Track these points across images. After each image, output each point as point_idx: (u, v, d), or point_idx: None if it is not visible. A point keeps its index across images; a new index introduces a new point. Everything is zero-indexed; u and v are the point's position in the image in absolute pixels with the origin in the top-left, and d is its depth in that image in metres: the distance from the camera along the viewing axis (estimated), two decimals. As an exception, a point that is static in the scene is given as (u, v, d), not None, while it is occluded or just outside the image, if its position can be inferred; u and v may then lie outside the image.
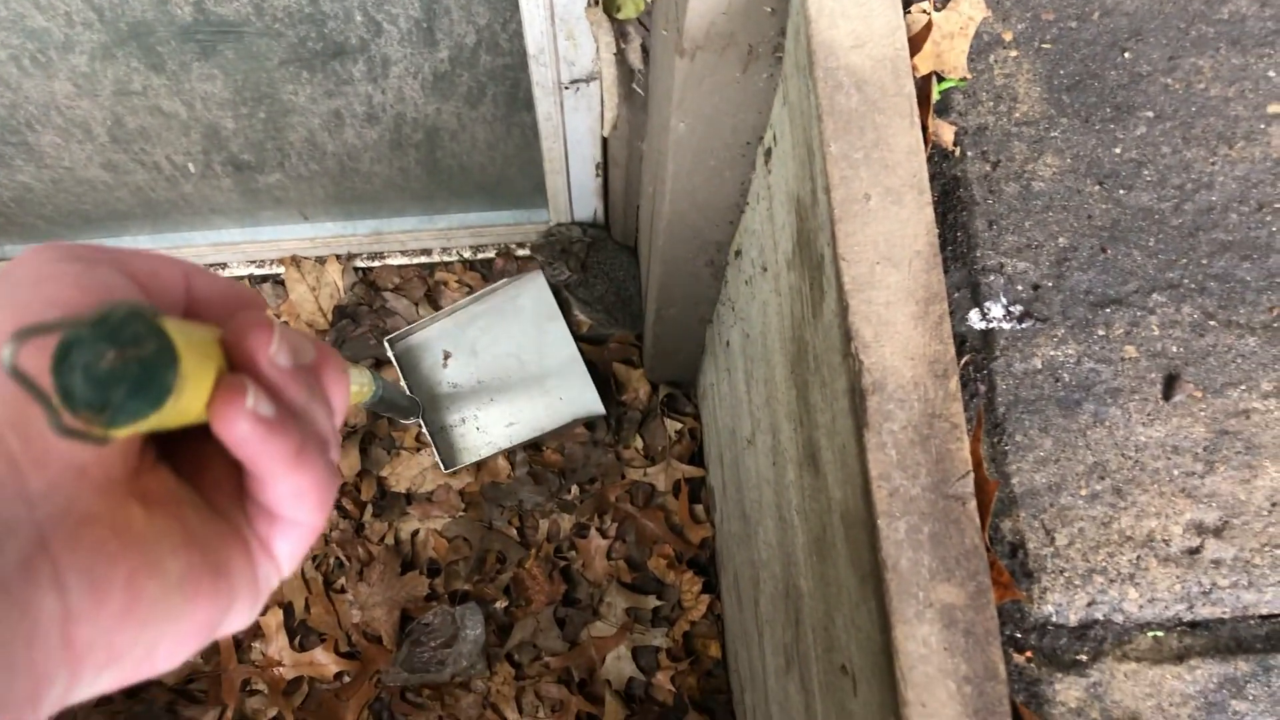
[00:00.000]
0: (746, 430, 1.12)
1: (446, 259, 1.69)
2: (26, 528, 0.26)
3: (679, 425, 1.68)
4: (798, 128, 0.75)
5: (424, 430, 1.63)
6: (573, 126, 1.32)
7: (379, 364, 1.65)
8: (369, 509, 1.64)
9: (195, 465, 0.33)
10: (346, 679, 1.59)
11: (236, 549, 0.33)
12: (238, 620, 0.33)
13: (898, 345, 0.61)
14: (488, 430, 1.64)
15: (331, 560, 1.63)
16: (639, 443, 1.68)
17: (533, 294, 1.67)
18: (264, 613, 1.60)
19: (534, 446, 1.66)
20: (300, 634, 1.61)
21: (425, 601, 1.60)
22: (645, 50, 1.06)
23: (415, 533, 1.64)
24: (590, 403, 1.64)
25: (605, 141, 1.37)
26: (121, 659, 0.28)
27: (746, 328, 1.08)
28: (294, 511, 0.34)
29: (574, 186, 1.50)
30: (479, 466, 1.66)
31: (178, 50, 1.09)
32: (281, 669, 1.59)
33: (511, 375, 1.66)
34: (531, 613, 1.61)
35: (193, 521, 0.31)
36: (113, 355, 0.24)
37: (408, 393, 1.58)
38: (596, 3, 1.00)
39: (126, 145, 1.28)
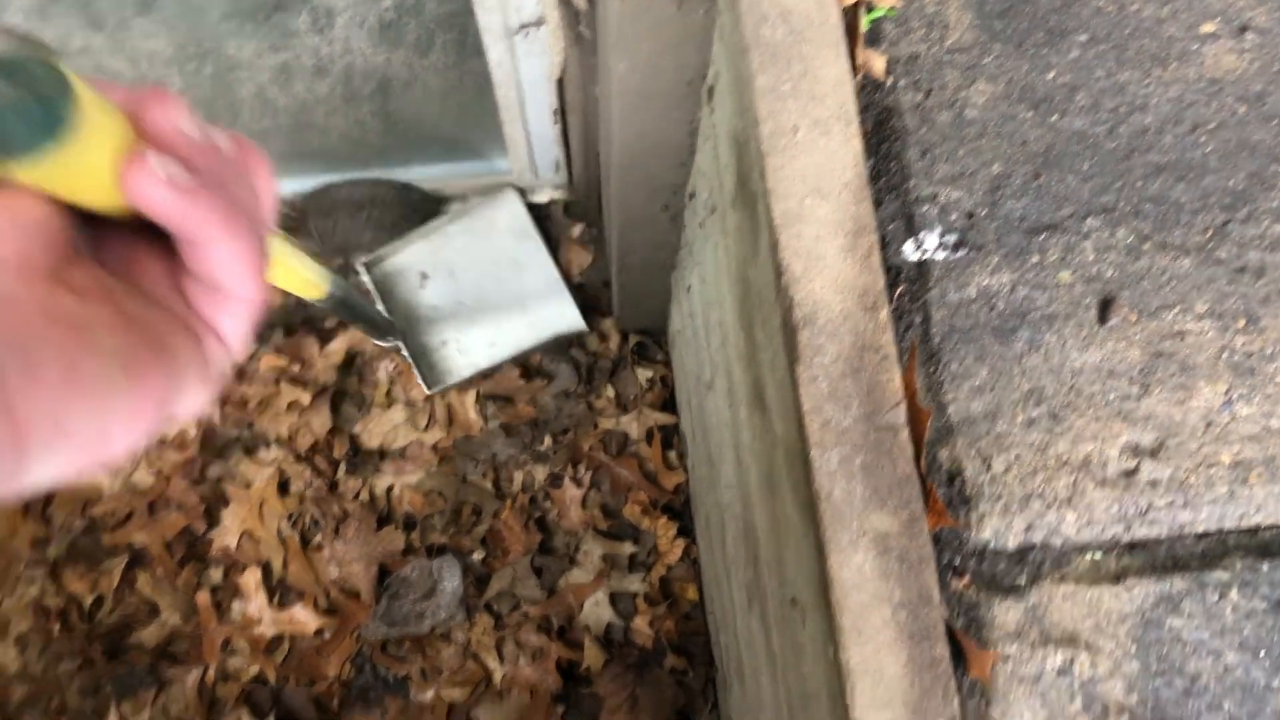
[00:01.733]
0: (707, 374, 1.12)
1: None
2: None
3: (650, 373, 1.68)
4: (731, 63, 0.74)
5: (404, 353, 1.61)
6: (526, 72, 1.30)
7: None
8: (342, 466, 1.65)
9: (130, 264, 0.33)
10: (327, 635, 1.60)
11: (178, 329, 0.33)
12: (192, 399, 0.33)
13: (828, 278, 0.61)
14: (469, 350, 1.63)
15: (307, 518, 1.63)
16: (610, 392, 1.68)
17: (508, 212, 1.64)
18: (241, 571, 1.60)
19: (505, 399, 1.66)
20: (279, 592, 1.62)
21: (402, 556, 1.61)
22: (591, -7, 1.05)
23: (390, 488, 1.65)
24: (571, 319, 1.62)
25: (561, 87, 1.35)
26: (71, 436, 0.28)
27: (702, 271, 1.08)
28: (230, 280, 0.33)
29: (533, 136, 1.48)
30: (450, 420, 1.66)
31: (116, 5, 1.07)
32: (261, 627, 1.60)
33: (490, 294, 1.63)
34: (509, 563, 1.62)
35: (129, 307, 0.31)
36: (9, 89, 0.24)
37: (385, 315, 1.55)
38: (536, -57, 0.98)
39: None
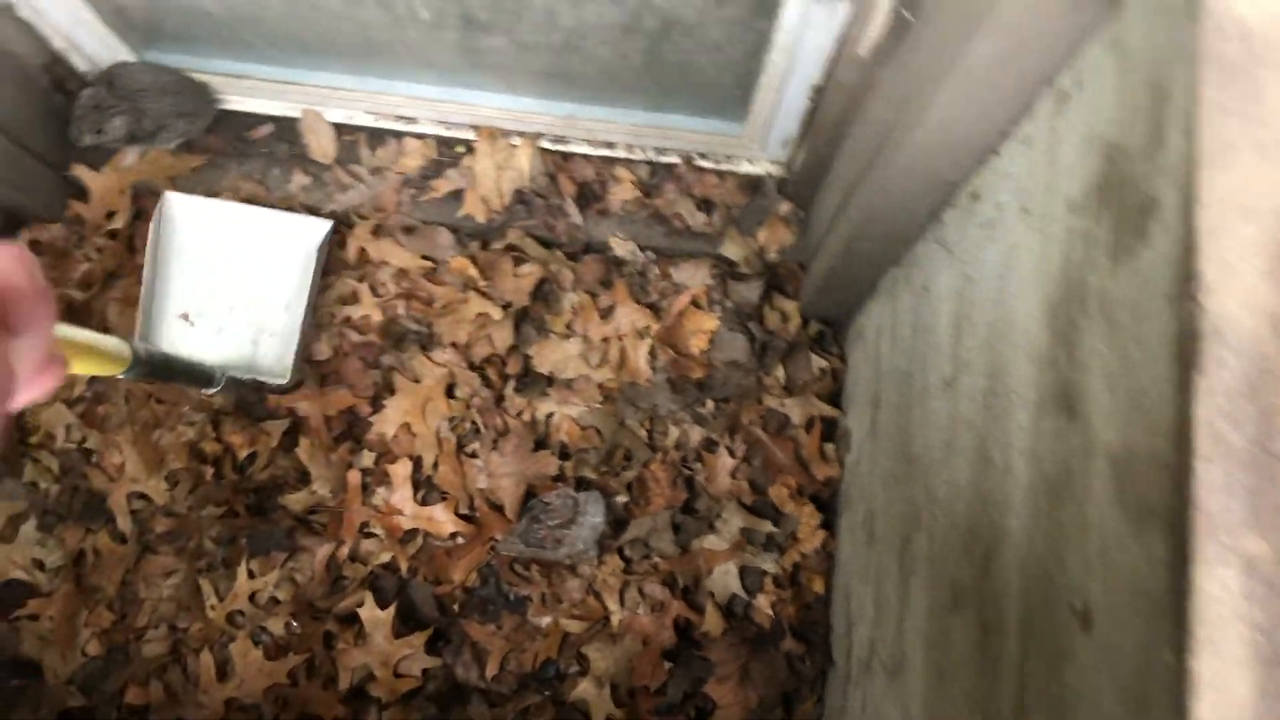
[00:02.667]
0: (944, 373, 1.13)
1: (629, 156, 1.70)
2: None
3: (823, 364, 1.69)
4: (1134, 72, 0.74)
5: (238, 378, 1.64)
6: (809, 42, 1.31)
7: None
8: (511, 383, 1.68)
9: None
10: (460, 540, 1.64)
11: None
12: None
13: (1241, 296, 0.61)
14: (279, 331, 1.69)
15: (467, 425, 1.67)
16: (780, 372, 1.69)
17: (303, 238, 1.66)
18: (393, 461, 1.64)
19: (680, 351, 1.68)
20: (424, 489, 1.66)
21: (552, 481, 1.64)
22: (928, -25, 1.06)
23: (550, 415, 1.68)
24: (280, 370, 1.64)
25: (832, 66, 1.36)
26: None
27: (970, 271, 1.08)
28: None
29: (781, 108, 1.50)
30: (621, 363, 1.68)
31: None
32: (401, 518, 1.63)
33: (240, 300, 1.69)
34: (649, 513, 1.64)
35: None
36: None
37: (203, 363, 1.54)
38: (901, -83, 0.99)
39: (373, -22, 1.30)
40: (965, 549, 0.99)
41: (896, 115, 1.15)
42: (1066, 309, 0.81)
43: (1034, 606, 0.81)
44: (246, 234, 1.67)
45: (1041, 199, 0.89)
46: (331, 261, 1.70)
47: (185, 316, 1.69)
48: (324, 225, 1.66)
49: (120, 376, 0.97)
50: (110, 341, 0.85)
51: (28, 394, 0.44)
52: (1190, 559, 0.59)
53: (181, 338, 1.67)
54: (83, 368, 0.75)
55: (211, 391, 1.60)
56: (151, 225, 1.62)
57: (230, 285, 1.69)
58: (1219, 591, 0.58)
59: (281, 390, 1.66)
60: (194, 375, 1.43)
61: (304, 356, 1.67)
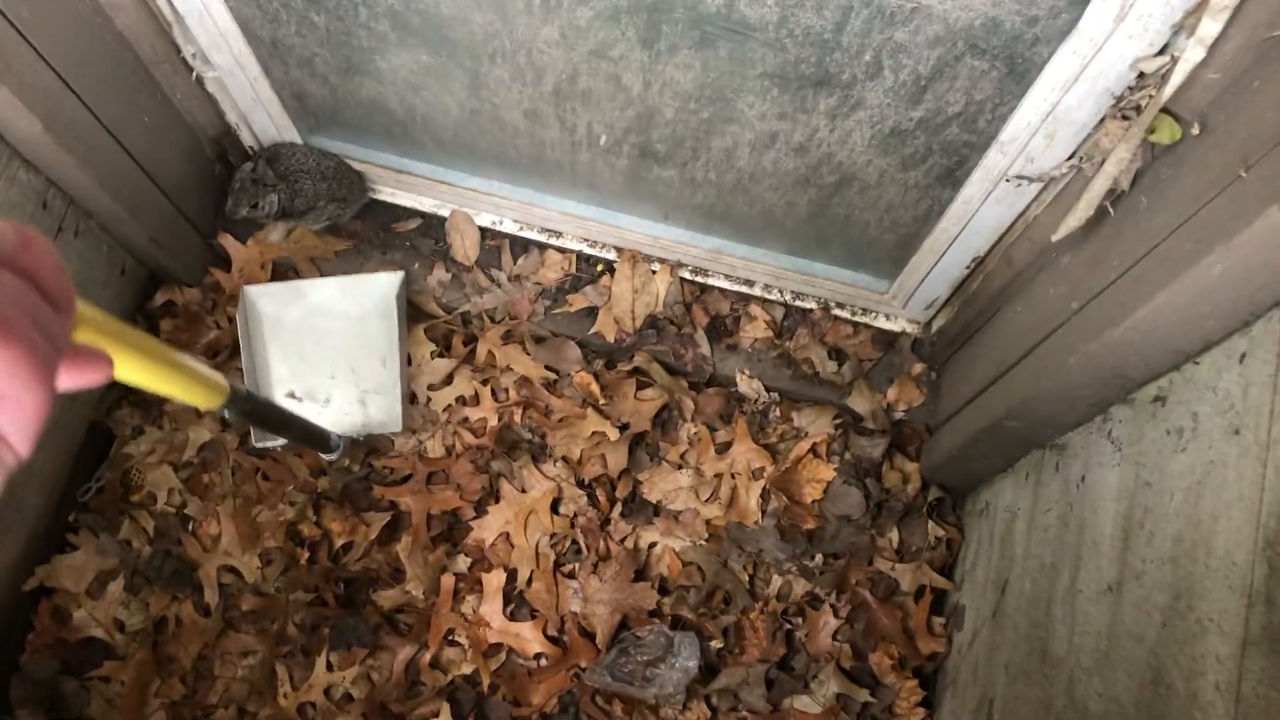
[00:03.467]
0: (1106, 577, 1.08)
1: (766, 296, 1.69)
2: None
3: (940, 532, 1.64)
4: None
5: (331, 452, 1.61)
6: (983, 215, 1.31)
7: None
8: (619, 506, 1.65)
9: None
10: (544, 662, 1.59)
11: None
12: None
13: None
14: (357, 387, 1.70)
15: (568, 543, 1.63)
16: (894, 535, 1.65)
17: (380, 294, 1.68)
18: (488, 569, 1.61)
19: (792, 498, 1.64)
20: (515, 603, 1.62)
21: (647, 616, 1.59)
22: (1138, 174, 1.05)
23: (653, 545, 1.64)
24: (393, 421, 1.66)
25: (1002, 240, 1.35)
26: None
27: (1148, 476, 1.04)
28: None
29: (935, 272, 1.49)
30: (731, 501, 1.65)
31: (678, 33, 1.12)
32: (488, 630, 1.59)
33: (340, 363, 1.70)
34: (743, 663, 1.58)
35: None
36: None
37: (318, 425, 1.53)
38: (1126, 118, 0.98)
39: (562, 101, 1.32)
40: (1128, 774, 0.93)
41: (1081, 305, 1.13)
42: (1291, 546, 0.77)
43: None
44: (328, 304, 1.69)
45: (1260, 425, 0.86)
46: (456, 359, 1.70)
47: (292, 395, 1.70)
48: (397, 277, 1.68)
49: (216, 412, 0.92)
50: (205, 370, 0.82)
51: (69, 379, 0.44)
52: None
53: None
54: (170, 387, 0.72)
55: (332, 456, 1.60)
56: (238, 318, 1.65)
57: (326, 356, 1.70)
58: None
59: (394, 443, 1.68)
60: (310, 434, 1.42)
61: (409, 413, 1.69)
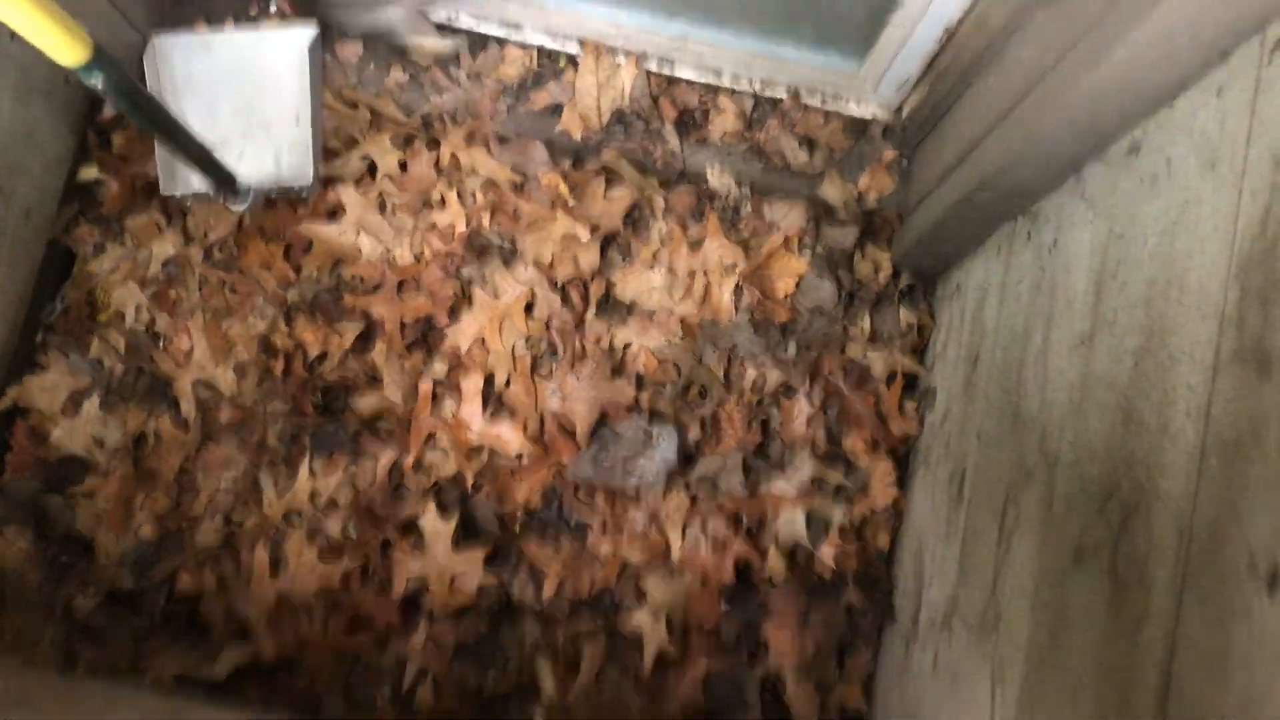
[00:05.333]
0: (1077, 332, 1.09)
1: (735, 86, 1.65)
2: None
3: (911, 319, 1.66)
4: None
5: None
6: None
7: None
8: (593, 308, 1.64)
9: None
10: (526, 460, 1.61)
11: None
12: None
13: None
14: (275, 141, 1.64)
15: (543, 345, 1.64)
16: (866, 323, 1.66)
17: (294, 47, 1.62)
18: (465, 374, 1.61)
19: (765, 293, 1.64)
20: (494, 406, 1.63)
21: (625, 411, 1.61)
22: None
23: (628, 345, 1.65)
24: (303, 175, 1.62)
25: (972, 9, 1.32)
26: None
27: (1119, 227, 1.05)
28: None
29: (905, 50, 1.46)
30: (704, 299, 1.65)
31: None
32: (468, 432, 1.61)
33: (241, 115, 1.63)
34: (720, 452, 1.61)
35: None
36: None
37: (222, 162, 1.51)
38: None
39: None
40: (1098, 509, 0.96)
41: (1056, 61, 1.11)
42: (1265, 265, 0.78)
43: (1196, 566, 0.79)
44: (239, 58, 1.63)
45: (1236, 153, 0.85)
46: (419, 164, 1.65)
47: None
48: (308, 31, 1.62)
49: (82, 75, 0.82)
50: (69, 19, 0.75)
51: None
52: None
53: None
54: (22, 25, 0.66)
55: (239, 206, 1.58)
56: (146, 69, 1.59)
57: (240, 112, 1.63)
58: None
59: (305, 197, 1.64)
60: (209, 163, 1.39)
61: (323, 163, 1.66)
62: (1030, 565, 1.09)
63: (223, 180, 1.48)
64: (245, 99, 1.63)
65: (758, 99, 1.66)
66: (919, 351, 1.66)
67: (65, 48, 0.73)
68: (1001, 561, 1.17)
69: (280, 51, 1.62)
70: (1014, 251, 1.35)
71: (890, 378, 1.64)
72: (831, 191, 1.66)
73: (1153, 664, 0.81)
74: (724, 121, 1.67)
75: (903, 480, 1.61)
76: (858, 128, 1.67)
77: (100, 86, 0.97)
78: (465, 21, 1.64)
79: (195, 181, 1.56)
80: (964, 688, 1.20)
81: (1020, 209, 1.33)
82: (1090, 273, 1.10)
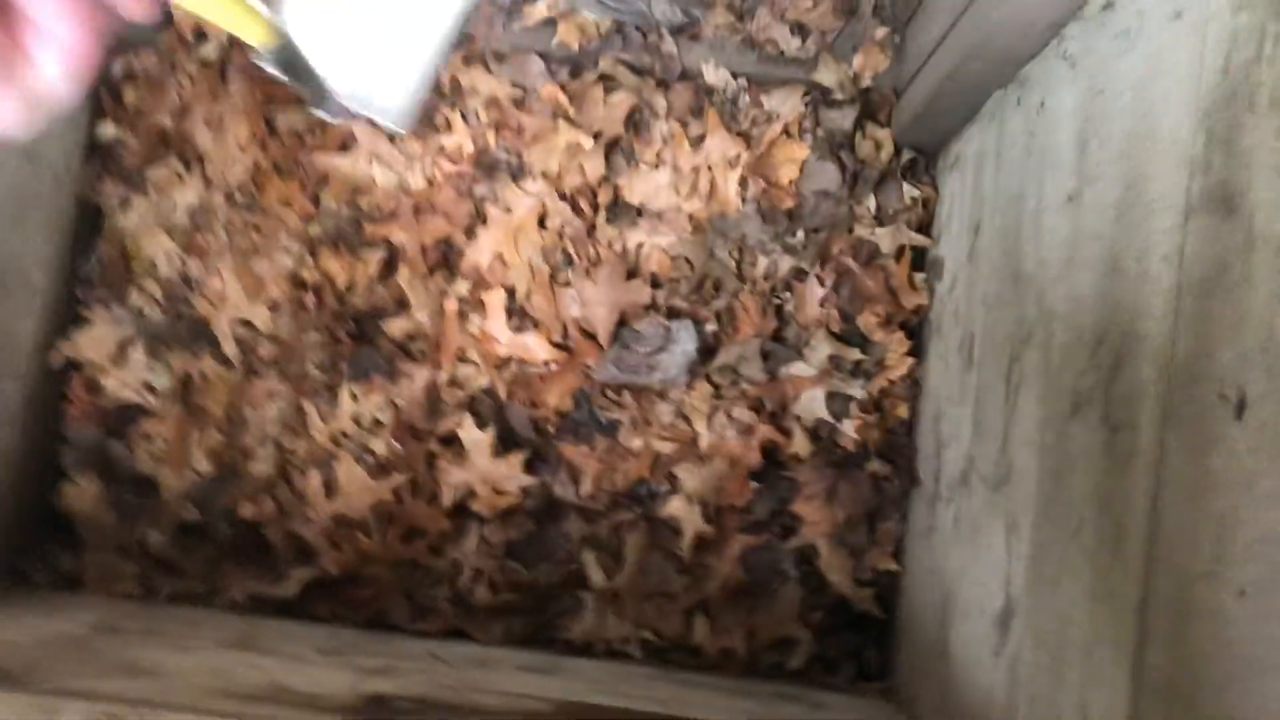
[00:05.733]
0: (1066, 189, 1.13)
1: (722, -21, 1.66)
2: None
3: (915, 193, 1.69)
4: None
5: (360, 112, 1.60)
6: None
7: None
8: (602, 213, 1.69)
9: None
10: (553, 367, 1.68)
11: None
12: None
13: None
14: (402, 69, 1.57)
15: (559, 255, 1.69)
16: (871, 201, 1.69)
17: None
18: (488, 290, 1.67)
19: (770, 181, 1.68)
20: (518, 318, 1.69)
21: (643, 310, 1.67)
22: None
23: (640, 245, 1.69)
24: (401, 120, 1.59)
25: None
26: None
27: (1100, 84, 1.08)
28: (43, 17, 0.36)
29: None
30: (711, 194, 1.69)
31: None
32: (496, 345, 1.68)
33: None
34: (738, 341, 1.67)
35: None
36: None
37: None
38: None
39: None
40: (1090, 357, 1.01)
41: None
42: (1228, 110, 0.81)
43: (1176, 402, 0.84)
44: None
45: (1199, 2, 0.88)
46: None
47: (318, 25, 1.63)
48: None
49: (267, 54, 0.89)
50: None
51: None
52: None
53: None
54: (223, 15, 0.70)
55: (327, 117, 1.60)
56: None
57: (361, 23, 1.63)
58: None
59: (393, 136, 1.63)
60: (317, 88, 1.43)
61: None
62: (1035, 418, 1.15)
63: (318, 101, 1.51)
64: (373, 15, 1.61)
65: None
66: (925, 225, 1.70)
67: (262, 34, 0.80)
68: (1010, 418, 1.23)
69: None
70: (1006, 118, 1.38)
71: (899, 253, 1.68)
72: (827, 75, 1.68)
73: (1142, 494, 0.88)
74: (715, 15, 1.68)
75: (918, 351, 1.66)
76: (848, 7, 1.69)
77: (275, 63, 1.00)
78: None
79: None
80: (982, 539, 1.27)
81: (1009, 76, 1.35)
82: (1074, 132, 1.13)
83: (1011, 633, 1.14)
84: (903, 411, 1.67)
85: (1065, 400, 1.07)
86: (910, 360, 1.65)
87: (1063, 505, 1.04)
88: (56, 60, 0.38)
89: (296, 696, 1.25)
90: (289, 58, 0.98)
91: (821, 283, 1.67)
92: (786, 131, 1.68)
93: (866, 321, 1.67)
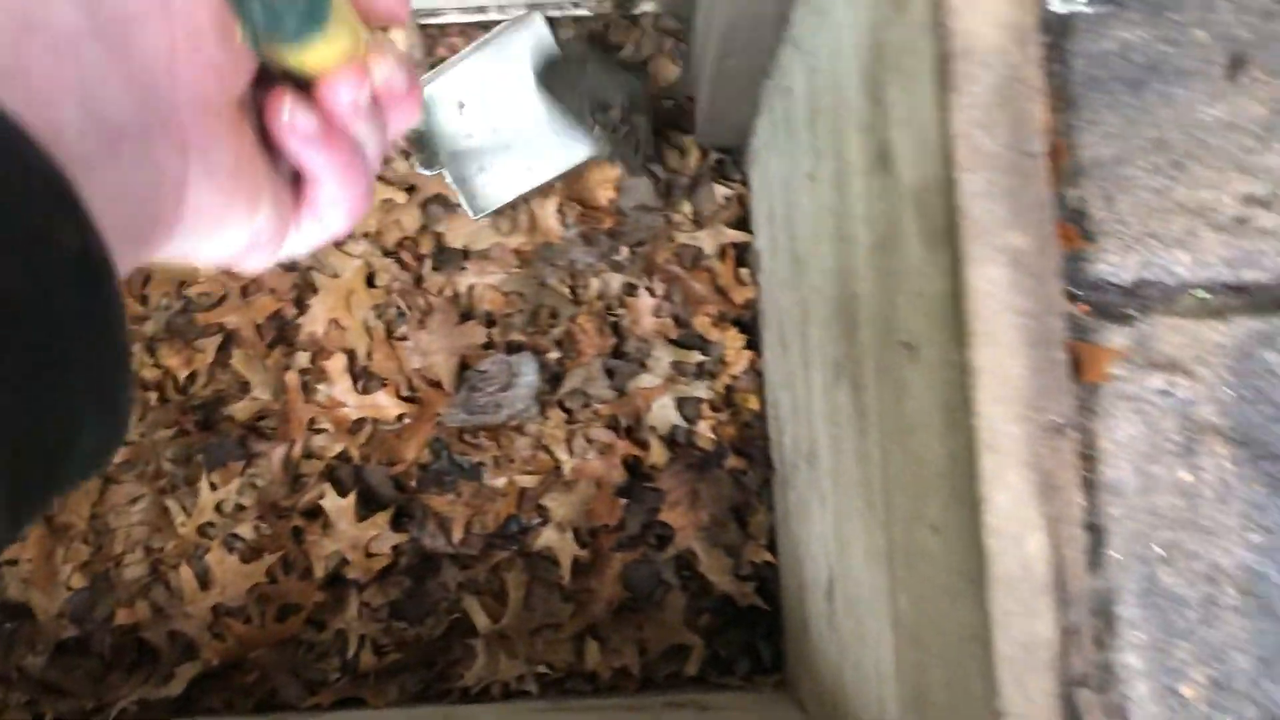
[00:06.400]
0: (808, 166, 1.16)
1: (502, 17, 1.69)
2: (169, 100, 0.32)
3: (728, 191, 1.72)
4: None
5: (449, 180, 1.67)
6: None
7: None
8: (428, 263, 1.71)
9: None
10: (406, 420, 1.69)
11: (279, 192, 0.39)
12: (257, 256, 0.39)
13: (985, 15, 0.65)
14: (508, 176, 1.68)
15: (392, 310, 1.71)
16: (687, 207, 1.72)
17: (534, 40, 1.65)
18: (328, 357, 1.69)
19: (587, 205, 1.71)
20: (363, 379, 1.71)
21: (482, 349, 1.69)
22: None
23: (471, 287, 1.71)
24: (583, 151, 1.67)
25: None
26: (198, 231, 0.35)
27: (814, 61, 1.11)
28: (326, 214, 0.40)
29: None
30: (532, 227, 1.71)
31: None
32: (345, 410, 1.69)
33: (524, 121, 1.66)
34: (582, 364, 1.69)
35: (258, 156, 0.37)
36: None
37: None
38: None
39: None
40: (840, 326, 1.04)
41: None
42: (876, 71, 0.84)
43: (881, 355, 0.87)
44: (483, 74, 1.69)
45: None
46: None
47: (461, 105, 1.69)
48: (536, 21, 1.67)
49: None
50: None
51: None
52: (963, 263, 0.64)
53: (447, 119, 1.70)
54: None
55: (428, 172, 1.67)
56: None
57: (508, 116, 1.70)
58: (989, 286, 0.63)
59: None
60: (432, 154, 1.49)
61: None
62: (819, 393, 1.17)
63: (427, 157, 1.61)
64: (529, 99, 1.66)
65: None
66: (744, 221, 1.73)
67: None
68: (809, 394, 1.25)
69: (531, 45, 1.67)
70: (774, 106, 1.41)
71: (721, 252, 1.71)
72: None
73: (876, 448, 0.90)
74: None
75: (754, 343, 1.69)
76: (633, 21, 1.72)
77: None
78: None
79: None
80: (809, 516, 1.29)
81: (768, 65, 1.39)
82: (807, 111, 1.16)
83: (835, 601, 1.16)
84: (754, 404, 1.69)
85: (830, 370, 1.09)
86: (748, 353, 1.67)
87: (843, 472, 1.07)
88: (314, 239, 0.42)
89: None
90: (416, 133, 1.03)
91: (652, 293, 1.70)
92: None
93: (701, 323, 1.69)
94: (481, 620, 1.65)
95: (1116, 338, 0.68)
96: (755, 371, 1.68)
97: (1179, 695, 0.65)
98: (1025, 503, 0.63)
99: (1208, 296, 0.69)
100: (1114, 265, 0.68)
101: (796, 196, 1.26)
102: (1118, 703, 0.65)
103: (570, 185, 1.71)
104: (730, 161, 1.74)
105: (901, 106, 0.77)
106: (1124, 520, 0.66)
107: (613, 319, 1.71)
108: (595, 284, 1.72)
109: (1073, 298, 0.68)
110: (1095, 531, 0.66)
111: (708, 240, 1.71)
